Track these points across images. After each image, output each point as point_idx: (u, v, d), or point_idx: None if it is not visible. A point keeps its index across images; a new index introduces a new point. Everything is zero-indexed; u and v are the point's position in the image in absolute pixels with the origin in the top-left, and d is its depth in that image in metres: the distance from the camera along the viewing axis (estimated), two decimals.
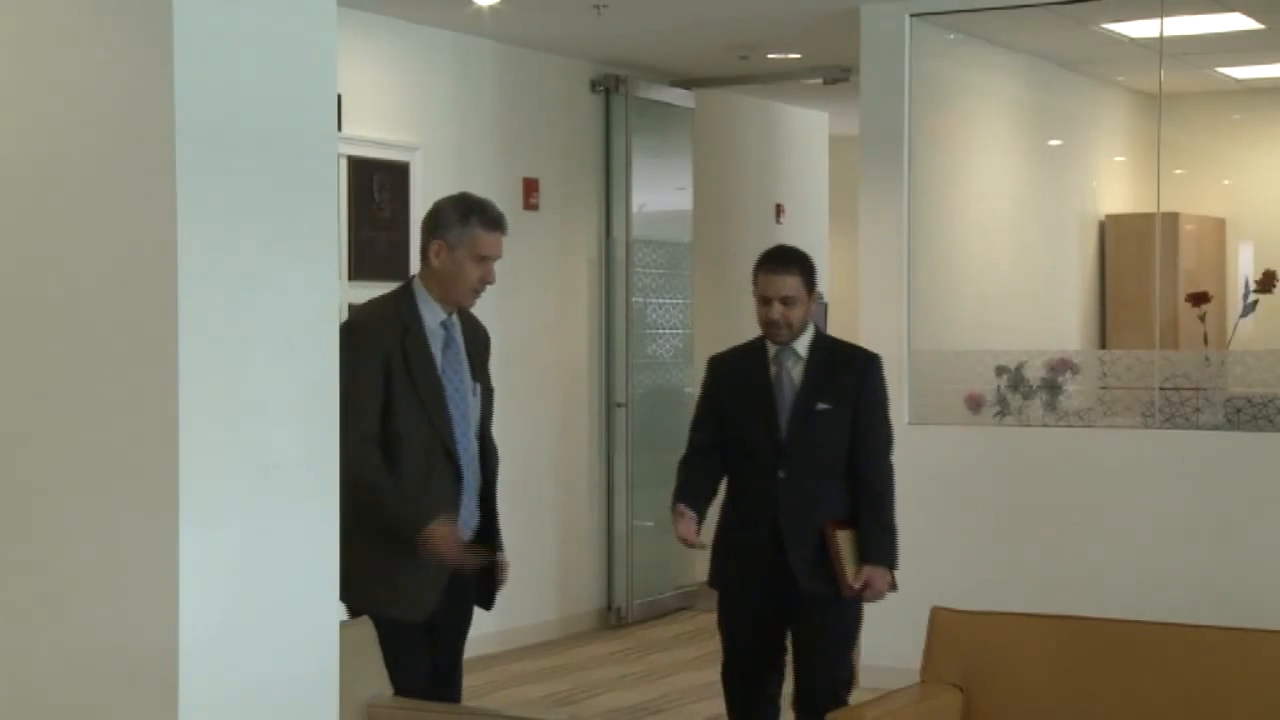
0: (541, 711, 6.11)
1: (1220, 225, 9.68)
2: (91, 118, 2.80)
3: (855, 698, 4.60)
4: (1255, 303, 7.13)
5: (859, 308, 7.02)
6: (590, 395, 8.80)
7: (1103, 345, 9.05)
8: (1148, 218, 7.85)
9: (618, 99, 8.80)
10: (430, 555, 3.99)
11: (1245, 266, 9.10)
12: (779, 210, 10.49)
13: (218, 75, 2.78)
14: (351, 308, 4.37)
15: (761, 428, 4.55)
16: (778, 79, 9.35)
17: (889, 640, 6.43)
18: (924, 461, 6.75)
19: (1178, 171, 8.65)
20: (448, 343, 4.16)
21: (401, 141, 7.60)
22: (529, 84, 8.38)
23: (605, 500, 8.84)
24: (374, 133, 7.41)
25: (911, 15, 7.07)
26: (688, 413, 9.39)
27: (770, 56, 8.78)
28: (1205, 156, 9.51)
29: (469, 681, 7.36)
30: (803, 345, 4.58)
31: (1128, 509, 6.19)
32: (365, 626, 3.95)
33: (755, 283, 4.61)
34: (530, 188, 8.37)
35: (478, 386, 4.19)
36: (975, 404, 6.90)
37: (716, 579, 4.74)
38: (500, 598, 8.13)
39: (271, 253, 2.91)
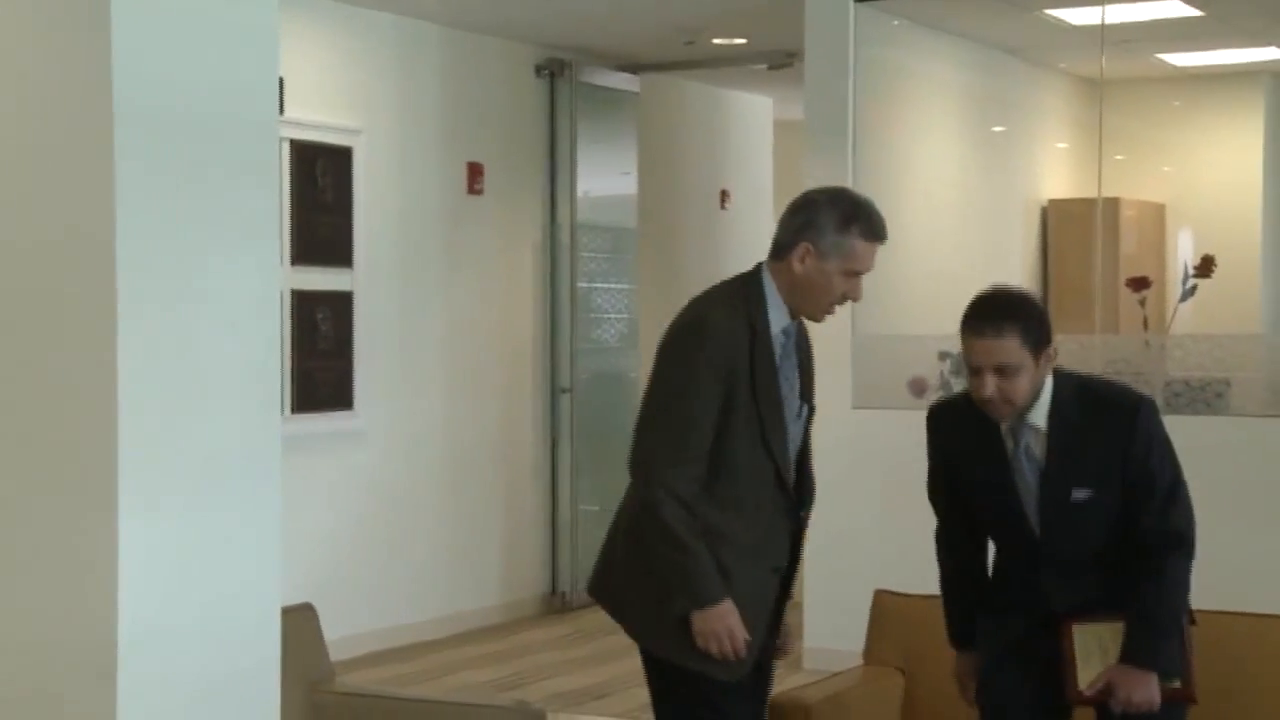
0: (487, 696, 6.11)
1: (1160, 211, 9.77)
2: (27, 102, 2.77)
3: (799, 680, 4.62)
4: (1194, 288, 7.20)
5: None
6: (535, 380, 8.79)
7: None
8: (1089, 203, 7.92)
9: (562, 83, 8.78)
10: (698, 635, 3.38)
11: (1185, 252, 9.19)
12: (724, 196, 10.50)
13: (157, 58, 2.75)
14: (702, 304, 3.49)
15: (1006, 518, 3.46)
16: (722, 64, 9.35)
17: (832, 623, 6.46)
18: (867, 445, 6.78)
19: (1118, 157, 8.72)
20: (785, 354, 3.47)
21: (344, 125, 7.55)
22: (473, 68, 8.35)
23: (550, 485, 8.84)
24: (316, 116, 7.36)
25: (856, 1, 7.08)
26: (633, 398, 9.48)
27: (715, 41, 8.78)
28: (1146, 142, 9.60)
29: (412, 666, 7.37)
30: (1040, 414, 3.39)
31: None
32: (307, 612, 3.93)
33: (962, 345, 3.43)
34: (474, 172, 8.34)
35: (804, 407, 3.51)
36: (918, 388, 6.94)
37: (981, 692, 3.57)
38: (444, 582, 8.18)
39: (212, 238, 2.89)
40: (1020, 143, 9.54)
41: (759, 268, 3.51)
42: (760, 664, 3.54)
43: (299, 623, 3.83)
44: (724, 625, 3.36)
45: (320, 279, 7.40)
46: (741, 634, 3.38)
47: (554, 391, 8.86)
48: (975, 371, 3.36)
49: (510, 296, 8.65)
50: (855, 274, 3.44)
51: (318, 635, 3.99)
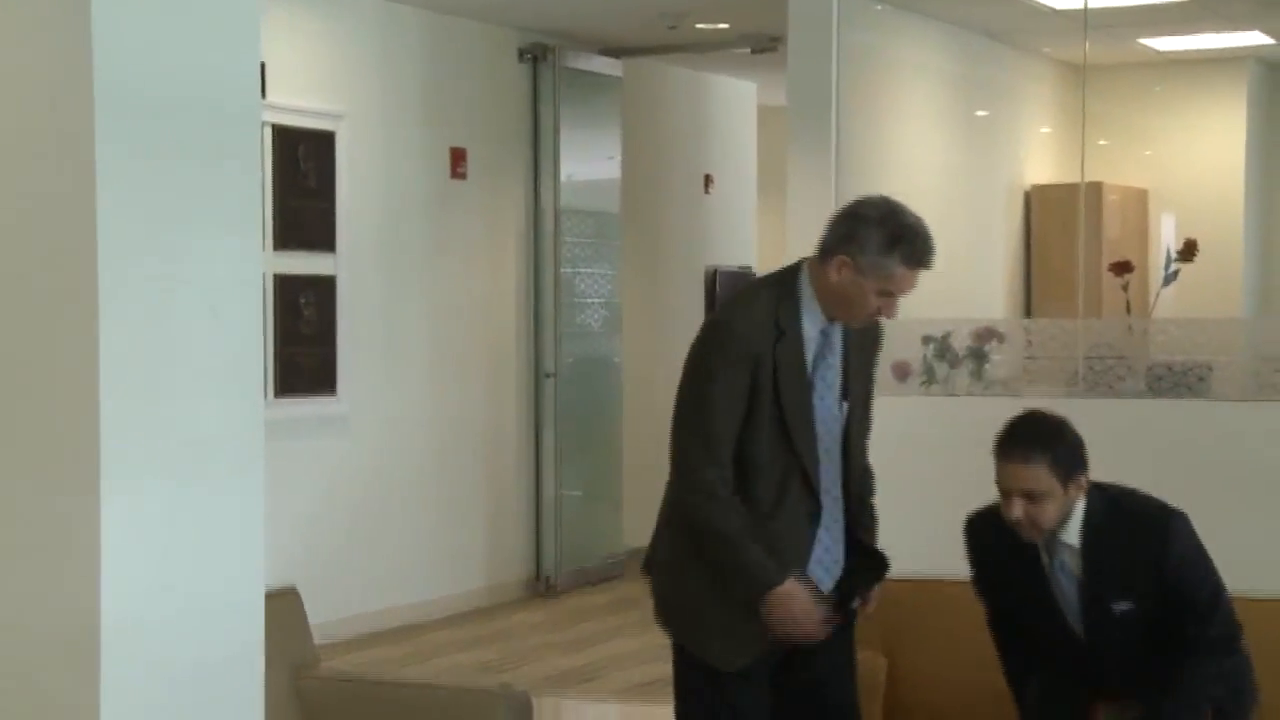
0: (471, 679, 6.11)
1: (1143, 195, 9.79)
2: (7, 88, 2.76)
3: None
4: (1176, 272, 7.21)
5: None
6: (519, 365, 8.79)
7: (1028, 314, 9.13)
8: (1072, 188, 7.93)
9: (545, 68, 8.76)
10: (774, 621, 3.37)
11: (1167, 236, 9.21)
12: (708, 180, 10.50)
13: (138, 43, 2.74)
14: (727, 304, 3.53)
15: (1049, 627, 3.55)
16: (706, 48, 9.34)
17: None
18: None
19: (1101, 142, 8.73)
20: (823, 352, 3.43)
21: (326, 110, 7.53)
22: (456, 52, 8.33)
23: (534, 469, 8.84)
24: (298, 101, 7.34)
25: None
26: (616, 383, 9.50)
27: (698, 26, 8.77)
28: (1129, 127, 9.61)
29: (396, 650, 7.37)
30: (1072, 532, 3.46)
31: None
32: (291, 596, 3.93)
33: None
34: (457, 157, 8.33)
35: (846, 405, 3.46)
36: (902, 373, 6.94)
37: None
38: (428, 566, 8.18)
39: (194, 223, 2.88)
40: (1003, 127, 9.55)
41: (801, 264, 3.47)
42: (800, 652, 3.47)
43: (283, 607, 3.83)
44: (790, 609, 3.35)
45: (303, 263, 7.39)
46: (813, 610, 3.36)
47: (538, 376, 8.86)
48: (1004, 494, 3.44)
49: (494, 281, 8.64)
50: (891, 295, 3.38)
51: (302, 619, 3.99)
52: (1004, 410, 6.85)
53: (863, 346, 3.53)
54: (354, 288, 7.67)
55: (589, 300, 9.16)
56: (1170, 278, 7.26)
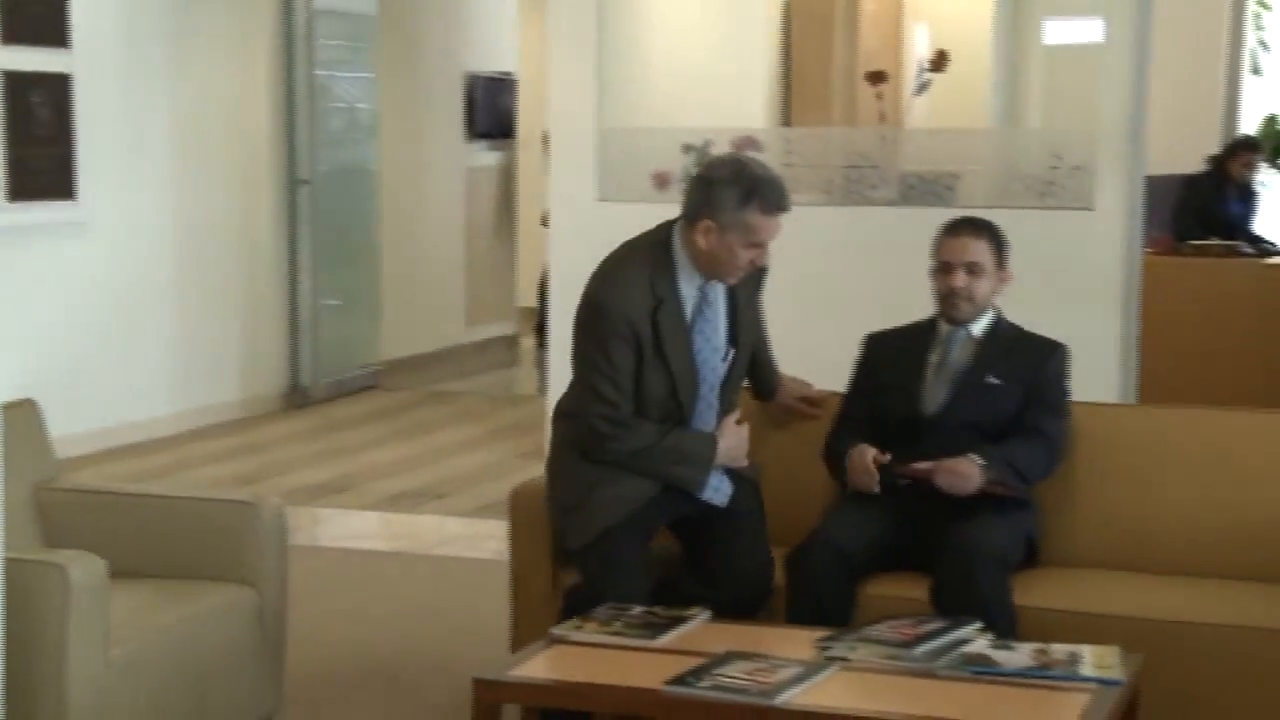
0: (224, 491, 6.01)
1: (897, 5, 9.87)
2: None
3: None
4: (928, 82, 7.32)
5: (548, 85, 6.94)
6: (272, 171, 8.54)
7: (787, 123, 9.20)
8: None
9: None
10: (727, 458, 3.71)
11: (920, 46, 9.34)
12: None
13: None
14: (600, 277, 3.69)
15: (908, 416, 3.93)
16: None
17: None
18: (610, 237, 6.76)
19: None
20: (702, 306, 3.68)
21: None
22: None
23: (289, 278, 8.66)
24: None
25: None
26: (373, 191, 9.34)
27: None
28: None
29: (146, 463, 7.21)
30: (979, 328, 3.96)
31: (810, 283, 6.37)
32: (28, 407, 3.78)
33: (935, 251, 3.96)
34: None
35: (730, 351, 3.72)
36: (661, 182, 6.95)
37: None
38: (180, 377, 7.99)
39: None
40: None
41: (671, 229, 3.65)
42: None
43: (20, 419, 3.69)
44: (728, 456, 3.69)
45: (34, 59, 6.99)
46: (743, 428, 3.73)
47: (292, 183, 8.63)
48: (946, 269, 3.91)
49: (243, 83, 8.32)
50: (758, 245, 3.59)
51: (41, 432, 3.85)
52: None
53: (748, 292, 3.76)
54: (92, 86, 7.30)
55: (344, 105, 8.92)
56: (921, 87, 7.38)
